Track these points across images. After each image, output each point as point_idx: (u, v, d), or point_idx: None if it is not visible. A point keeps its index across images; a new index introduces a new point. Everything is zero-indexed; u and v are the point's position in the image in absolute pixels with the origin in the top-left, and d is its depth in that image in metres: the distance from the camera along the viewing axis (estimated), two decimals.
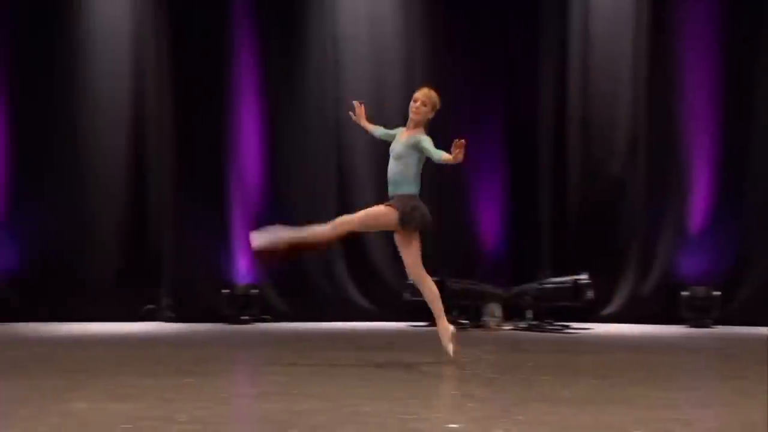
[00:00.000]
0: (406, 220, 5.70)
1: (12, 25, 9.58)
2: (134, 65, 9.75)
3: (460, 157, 5.46)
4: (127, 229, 9.65)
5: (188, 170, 9.61)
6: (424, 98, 5.91)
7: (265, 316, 9.37)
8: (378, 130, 6.31)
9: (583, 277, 8.72)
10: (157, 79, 9.69)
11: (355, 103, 6.32)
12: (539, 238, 9.86)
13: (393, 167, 5.83)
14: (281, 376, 5.31)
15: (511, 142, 10.03)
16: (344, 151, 9.89)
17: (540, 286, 8.94)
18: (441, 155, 5.58)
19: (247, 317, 9.26)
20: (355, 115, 6.32)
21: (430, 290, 5.88)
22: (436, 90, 6.01)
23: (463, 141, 5.45)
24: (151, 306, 9.54)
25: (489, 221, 9.98)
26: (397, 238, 5.88)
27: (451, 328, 5.80)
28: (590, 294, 8.70)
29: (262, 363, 6.30)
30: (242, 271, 9.60)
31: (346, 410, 3.92)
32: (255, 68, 9.83)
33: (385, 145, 9.81)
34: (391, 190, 5.82)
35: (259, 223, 9.69)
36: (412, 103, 5.91)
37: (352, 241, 9.91)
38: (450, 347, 5.69)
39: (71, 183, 9.54)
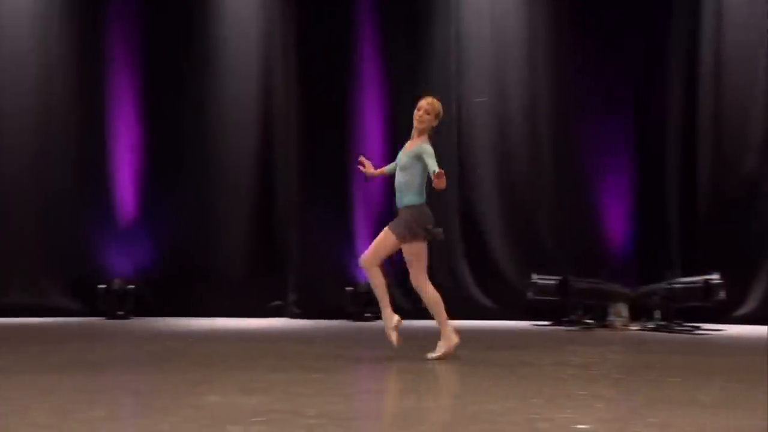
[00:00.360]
0: (405, 237, 5.79)
1: (145, 22, 9.94)
2: (262, 64, 9.98)
3: (441, 185, 5.57)
4: (255, 227, 9.89)
5: (313, 169, 9.79)
6: (427, 107, 5.96)
7: None
8: (388, 167, 6.28)
9: (715, 277, 8.42)
10: (284, 78, 9.90)
11: (361, 158, 6.29)
12: (668, 236, 9.60)
13: (399, 177, 5.88)
14: (406, 374, 5.34)
15: (639, 137, 9.80)
16: (464, 148, 9.87)
17: (669, 286, 8.70)
18: (435, 170, 5.66)
19: (369, 315, 9.35)
20: (363, 168, 6.27)
21: (431, 296, 5.95)
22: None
23: (441, 171, 5.56)
24: (277, 302, 9.76)
25: (616, 219, 9.77)
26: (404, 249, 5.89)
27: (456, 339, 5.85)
28: (722, 294, 8.40)
29: (386, 360, 6.35)
30: None
31: (472, 408, 3.91)
32: (378, 65, 9.92)
33: (503, 139, 9.80)
34: (398, 201, 5.88)
35: (382, 223, 9.85)
36: (415, 111, 5.94)
37: (474, 239, 9.88)
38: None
39: (201, 182, 9.86)
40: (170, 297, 9.71)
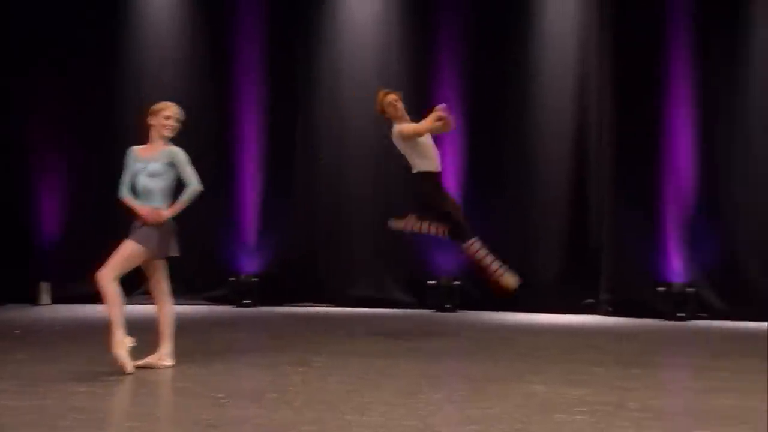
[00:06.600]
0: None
1: (469, 44, 10.26)
2: (578, 71, 10.02)
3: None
4: (568, 227, 10.05)
5: (623, 171, 9.77)
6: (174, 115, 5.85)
7: (701, 314, 9.36)
8: None
9: None
10: (598, 85, 9.93)
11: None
12: None
13: (154, 183, 5.73)
14: (724, 372, 5.50)
15: None
16: None
17: None
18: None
19: (683, 314, 9.29)
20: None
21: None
22: None
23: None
24: (590, 300, 9.87)
25: None
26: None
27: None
28: None
29: (703, 358, 6.49)
30: (677, 269, 9.64)
31: None
32: (689, 67, 9.66)
33: None
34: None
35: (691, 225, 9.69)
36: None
37: None
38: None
39: (519, 192, 10.14)
40: (491, 293, 9.42)
